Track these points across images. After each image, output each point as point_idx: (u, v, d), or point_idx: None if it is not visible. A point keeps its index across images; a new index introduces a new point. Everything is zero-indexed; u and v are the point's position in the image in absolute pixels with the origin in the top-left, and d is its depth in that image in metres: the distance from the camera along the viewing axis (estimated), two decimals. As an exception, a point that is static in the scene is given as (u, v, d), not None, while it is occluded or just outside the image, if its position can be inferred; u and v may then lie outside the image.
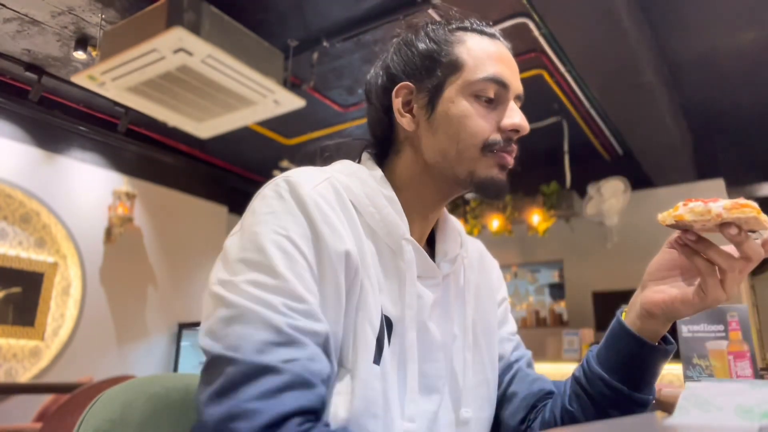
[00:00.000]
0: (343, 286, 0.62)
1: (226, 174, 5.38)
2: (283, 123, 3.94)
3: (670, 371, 4.18)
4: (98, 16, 3.09)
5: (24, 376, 3.86)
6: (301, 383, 0.53)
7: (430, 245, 0.79)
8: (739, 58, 3.55)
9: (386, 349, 0.65)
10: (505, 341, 0.84)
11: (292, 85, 3.37)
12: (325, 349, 0.59)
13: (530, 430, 0.77)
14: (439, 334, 0.72)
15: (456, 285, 0.76)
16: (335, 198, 0.66)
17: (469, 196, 5.31)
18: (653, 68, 3.35)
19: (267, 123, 4.05)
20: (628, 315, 0.70)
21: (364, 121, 4.25)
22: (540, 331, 5.17)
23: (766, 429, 0.41)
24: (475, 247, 0.85)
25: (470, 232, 5.02)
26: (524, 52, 3.34)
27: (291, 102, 3.17)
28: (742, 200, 0.56)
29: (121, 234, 4.44)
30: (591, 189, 4.67)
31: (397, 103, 0.74)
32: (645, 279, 0.68)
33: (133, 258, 4.62)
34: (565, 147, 4.40)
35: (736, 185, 4.93)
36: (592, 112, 4.05)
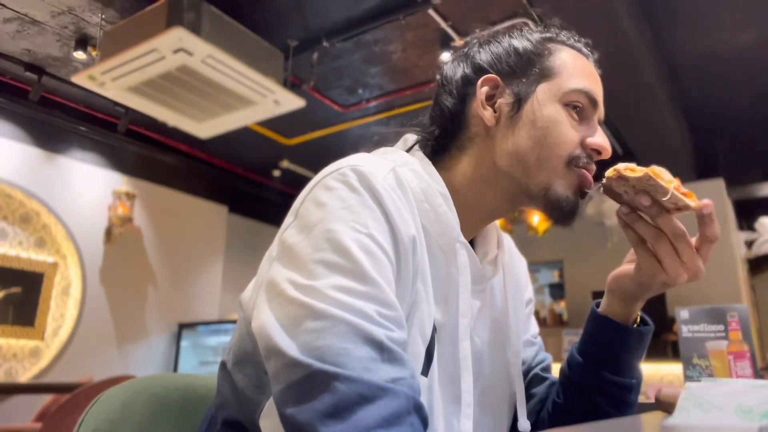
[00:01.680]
0: (410, 283, 0.59)
1: (226, 174, 5.38)
2: (283, 123, 3.94)
3: (670, 371, 4.18)
4: (98, 16, 3.08)
5: (24, 376, 3.86)
6: (415, 407, 0.48)
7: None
8: (739, 58, 3.55)
9: (435, 360, 0.61)
10: (528, 345, 0.81)
11: (292, 85, 3.37)
12: None
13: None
14: (483, 344, 0.70)
15: (491, 290, 0.72)
16: (400, 189, 0.61)
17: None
18: (653, 68, 3.35)
19: (267, 123, 4.04)
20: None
21: (364, 121, 4.24)
22: (540, 331, 5.16)
23: (766, 429, 0.41)
24: (505, 243, 0.80)
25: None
26: (524, 52, 3.34)
27: (291, 102, 3.17)
28: (653, 167, 0.58)
29: (121, 234, 4.44)
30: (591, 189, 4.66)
31: (481, 93, 0.68)
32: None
33: (133, 258, 4.62)
34: (565, 147, 4.40)
35: (736, 185, 4.93)
36: (592, 112, 4.04)
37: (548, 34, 0.73)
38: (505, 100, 0.68)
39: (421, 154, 0.70)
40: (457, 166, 0.70)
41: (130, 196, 4.48)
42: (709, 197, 0.60)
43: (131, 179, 4.64)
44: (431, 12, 2.97)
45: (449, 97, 0.71)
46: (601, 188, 0.63)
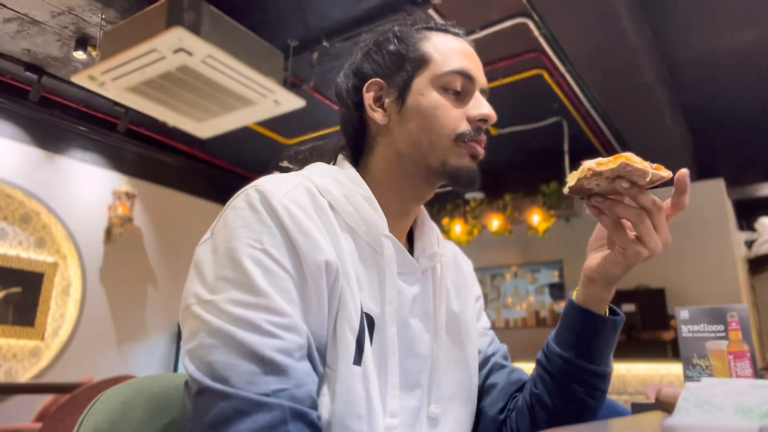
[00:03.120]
0: (325, 292, 0.63)
1: (226, 174, 5.39)
2: (283, 123, 3.94)
3: (670, 371, 4.18)
4: (98, 16, 3.09)
5: (24, 376, 3.86)
6: (294, 415, 0.54)
7: (409, 242, 0.81)
8: (739, 58, 3.55)
9: (367, 349, 0.65)
10: (481, 335, 0.86)
11: (292, 85, 3.37)
12: (311, 357, 0.60)
13: (509, 419, 0.79)
14: (420, 329, 0.73)
15: (434, 281, 0.78)
16: (309, 200, 0.66)
17: (468, 195, 5.31)
18: (653, 68, 3.35)
19: (267, 123, 4.04)
20: (577, 291, 0.74)
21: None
22: (540, 331, 5.17)
23: (766, 429, 0.41)
24: (450, 248, 0.88)
25: (470, 232, 5.02)
26: (524, 52, 3.33)
27: (291, 102, 3.17)
28: (622, 154, 0.59)
29: (121, 234, 4.44)
30: (591, 189, 4.66)
31: (368, 98, 0.76)
32: (587, 252, 0.74)
33: (133, 258, 4.62)
34: (565, 147, 4.40)
35: (736, 185, 4.93)
36: (592, 112, 4.05)
37: (417, 26, 0.79)
38: (390, 99, 0.75)
39: (345, 162, 0.78)
40: (371, 164, 0.77)
41: (130, 196, 4.48)
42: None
43: (131, 179, 4.64)
44: (431, 12, 2.97)
45: (346, 109, 0.80)
46: (568, 191, 0.64)
